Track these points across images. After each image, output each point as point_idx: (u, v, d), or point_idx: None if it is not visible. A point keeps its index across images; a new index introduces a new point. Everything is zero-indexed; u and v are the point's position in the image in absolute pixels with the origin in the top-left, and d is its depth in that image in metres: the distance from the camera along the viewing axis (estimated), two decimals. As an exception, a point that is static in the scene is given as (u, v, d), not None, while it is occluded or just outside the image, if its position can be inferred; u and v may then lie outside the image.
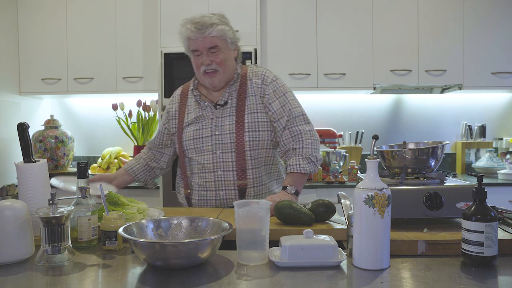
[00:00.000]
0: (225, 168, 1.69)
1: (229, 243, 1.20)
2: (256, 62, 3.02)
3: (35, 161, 1.25)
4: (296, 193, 1.63)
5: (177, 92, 1.87)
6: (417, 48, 3.17)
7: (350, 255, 1.06)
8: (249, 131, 1.68)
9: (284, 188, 1.63)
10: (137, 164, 1.88)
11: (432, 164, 1.37)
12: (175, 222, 1.18)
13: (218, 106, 1.72)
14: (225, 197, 1.70)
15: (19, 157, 1.32)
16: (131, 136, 3.24)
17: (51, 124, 3.15)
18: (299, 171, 1.65)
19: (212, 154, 1.70)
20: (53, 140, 3.06)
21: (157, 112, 3.15)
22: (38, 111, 3.55)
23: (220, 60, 1.68)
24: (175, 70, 3.00)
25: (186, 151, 1.75)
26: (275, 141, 1.75)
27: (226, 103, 1.72)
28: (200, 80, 1.76)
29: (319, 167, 3.04)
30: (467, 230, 1.01)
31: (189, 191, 1.77)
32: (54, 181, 1.61)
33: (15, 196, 1.29)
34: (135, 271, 1.03)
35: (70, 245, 1.11)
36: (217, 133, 1.70)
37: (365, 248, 1.01)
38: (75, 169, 2.64)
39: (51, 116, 3.23)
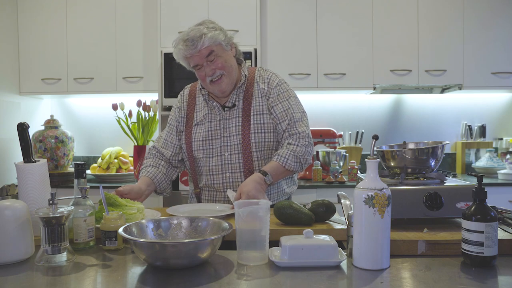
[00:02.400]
0: (233, 170, 1.70)
1: (229, 243, 1.20)
2: (256, 62, 3.02)
3: (35, 161, 1.25)
4: (270, 184, 1.62)
5: (186, 91, 1.86)
6: (417, 48, 3.17)
7: (350, 255, 1.07)
8: (255, 132, 1.69)
9: (264, 173, 1.59)
10: (159, 173, 1.76)
11: (432, 164, 1.37)
12: (175, 222, 1.18)
13: (226, 108, 1.74)
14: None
15: (19, 157, 1.32)
16: (131, 136, 3.24)
17: (51, 124, 3.15)
18: (283, 165, 1.62)
19: (220, 156, 1.71)
20: (53, 140, 3.06)
21: (157, 112, 3.15)
22: (38, 111, 3.55)
23: (222, 64, 1.66)
24: (175, 70, 3.00)
25: (195, 151, 1.75)
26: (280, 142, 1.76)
27: (234, 105, 1.73)
28: (209, 90, 1.75)
29: (319, 167, 3.04)
30: (467, 230, 1.01)
31: (198, 190, 1.79)
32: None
33: (15, 196, 1.29)
34: (135, 271, 1.03)
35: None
36: (225, 134, 1.71)
37: (365, 248, 1.01)
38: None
39: (51, 116, 3.22)
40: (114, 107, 3.27)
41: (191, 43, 1.61)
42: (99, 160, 3.29)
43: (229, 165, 1.70)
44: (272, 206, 1.34)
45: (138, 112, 3.20)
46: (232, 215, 1.53)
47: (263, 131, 1.70)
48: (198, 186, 1.79)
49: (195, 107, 1.80)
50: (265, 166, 1.64)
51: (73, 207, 1.16)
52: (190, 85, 1.89)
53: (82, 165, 1.26)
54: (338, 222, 1.36)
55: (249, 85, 1.75)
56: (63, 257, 1.08)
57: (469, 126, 3.49)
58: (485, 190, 1.03)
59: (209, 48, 1.63)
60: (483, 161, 3.28)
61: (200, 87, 1.79)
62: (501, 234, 1.14)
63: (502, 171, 3.05)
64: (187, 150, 1.77)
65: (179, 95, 1.88)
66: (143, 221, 1.16)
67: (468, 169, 3.44)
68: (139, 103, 3.21)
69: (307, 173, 3.13)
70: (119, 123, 3.22)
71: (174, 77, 3.01)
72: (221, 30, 1.68)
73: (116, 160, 3.25)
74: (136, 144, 3.21)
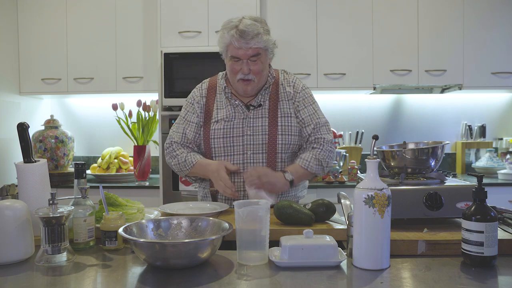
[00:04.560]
0: None
1: (229, 243, 1.20)
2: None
3: (35, 161, 1.25)
4: (292, 183, 1.63)
5: (204, 85, 1.83)
6: (417, 48, 3.17)
7: (350, 255, 1.07)
8: (282, 134, 1.71)
9: (284, 171, 1.64)
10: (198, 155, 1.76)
11: (432, 164, 1.37)
12: (175, 222, 1.18)
13: (251, 107, 1.74)
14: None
15: (19, 157, 1.32)
16: (131, 136, 3.24)
17: (51, 124, 3.15)
18: (305, 167, 1.67)
19: (242, 154, 1.71)
20: (53, 140, 3.06)
21: (157, 112, 3.15)
22: (38, 111, 3.55)
23: (258, 70, 1.67)
24: (175, 70, 3.00)
25: (214, 148, 1.73)
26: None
27: (260, 105, 1.74)
28: (233, 85, 1.75)
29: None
30: (467, 230, 1.01)
31: (215, 188, 1.75)
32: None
33: (15, 196, 1.29)
34: (135, 271, 1.03)
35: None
36: (249, 133, 1.71)
37: (365, 248, 1.01)
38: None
39: (51, 116, 3.22)
40: (114, 107, 3.27)
41: (246, 36, 1.61)
42: (99, 160, 3.29)
43: (251, 163, 1.70)
44: (272, 206, 1.34)
45: (138, 112, 3.20)
46: (222, 212, 1.55)
47: (290, 133, 1.72)
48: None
49: (215, 103, 1.77)
50: (286, 167, 1.67)
51: (73, 207, 1.16)
52: (208, 79, 1.86)
53: (82, 165, 1.26)
54: (338, 222, 1.36)
55: (275, 87, 1.77)
56: (63, 257, 1.08)
57: (469, 126, 3.49)
58: (485, 190, 1.03)
59: (258, 50, 1.64)
60: (483, 161, 3.28)
61: (224, 85, 1.77)
62: (501, 234, 1.14)
63: (502, 171, 3.05)
64: (205, 147, 1.75)
65: (196, 89, 1.83)
66: (143, 221, 1.16)
67: (468, 169, 3.44)
68: (139, 103, 3.21)
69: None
70: (119, 123, 3.23)
71: (174, 77, 3.01)
72: (271, 37, 1.70)
73: (116, 160, 3.25)
74: (136, 144, 3.21)
